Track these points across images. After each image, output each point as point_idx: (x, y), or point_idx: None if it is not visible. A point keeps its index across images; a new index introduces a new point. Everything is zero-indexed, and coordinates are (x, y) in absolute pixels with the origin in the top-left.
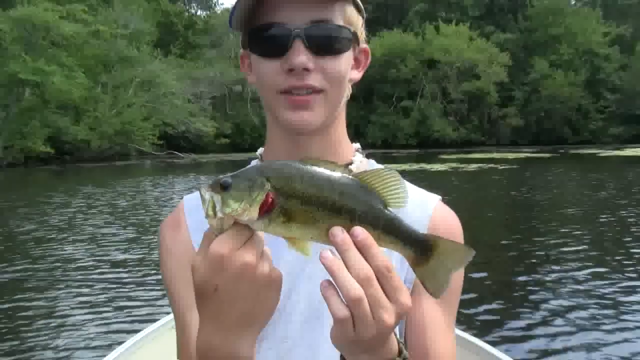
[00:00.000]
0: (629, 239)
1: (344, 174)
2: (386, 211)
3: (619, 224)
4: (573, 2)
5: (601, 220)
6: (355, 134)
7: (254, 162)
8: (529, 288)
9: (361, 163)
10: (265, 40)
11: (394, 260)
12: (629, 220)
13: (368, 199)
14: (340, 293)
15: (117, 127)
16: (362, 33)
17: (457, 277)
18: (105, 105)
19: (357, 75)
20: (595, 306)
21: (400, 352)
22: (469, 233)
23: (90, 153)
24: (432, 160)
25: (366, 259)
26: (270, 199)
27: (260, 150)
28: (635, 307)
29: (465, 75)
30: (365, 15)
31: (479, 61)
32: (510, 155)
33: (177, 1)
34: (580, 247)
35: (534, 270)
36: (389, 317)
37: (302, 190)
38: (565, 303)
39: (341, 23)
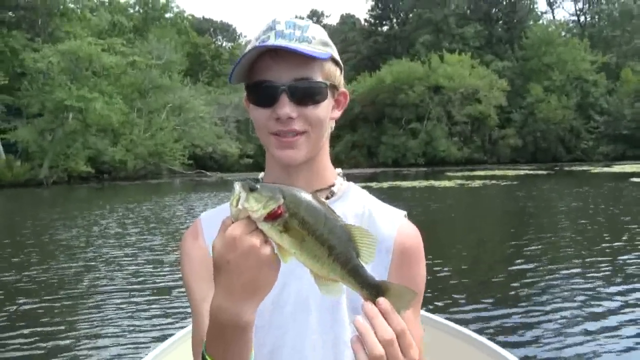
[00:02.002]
0: (618, 244)
1: (339, 220)
2: (356, 259)
3: (609, 233)
4: (563, 34)
5: (592, 228)
6: (368, 154)
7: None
8: (527, 289)
9: (342, 185)
10: (259, 93)
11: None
12: (618, 228)
13: (346, 245)
14: (365, 349)
15: (150, 149)
16: (340, 81)
17: (421, 279)
18: (140, 128)
19: (337, 114)
20: (583, 307)
21: None
22: (476, 240)
23: (126, 172)
24: (439, 178)
25: (387, 322)
26: (279, 212)
27: (262, 174)
28: (619, 308)
29: (468, 99)
30: (342, 66)
31: (480, 87)
32: (510, 173)
33: (205, 34)
34: (573, 252)
35: (534, 274)
36: None
37: (303, 216)
38: (557, 305)
39: (320, 78)
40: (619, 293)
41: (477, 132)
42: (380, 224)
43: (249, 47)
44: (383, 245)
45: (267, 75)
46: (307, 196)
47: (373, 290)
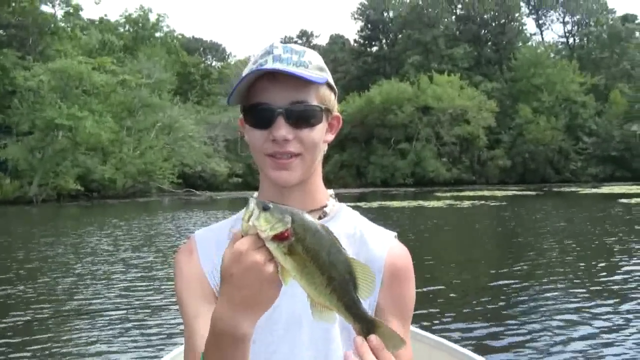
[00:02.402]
0: (601, 264)
1: (342, 252)
2: (353, 292)
3: (594, 253)
4: (552, 55)
5: (578, 249)
6: (357, 174)
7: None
8: (512, 307)
9: (334, 207)
10: (256, 115)
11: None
12: (602, 248)
13: (346, 278)
14: None
15: (140, 167)
16: (334, 105)
17: (410, 299)
18: (130, 147)
19: (330, 137)
20: (565, 325)
21: None
22: (464, 260)
23: (115, 190)
24: (428, 198)
25: (377, 358)
26: (286, 234)
27: (256, 194)
28: (600, 326)
29: (457, 120)
30: (337, 90)
31: (469, 108)
32: (499, 193)
33: (195, 53)
34: (558, 272)
35: (519, 293)
36: None
37: (308, 242)
38: (541, 322)
39: (315, 102)
40: (600, 312)
41: (466, 153)
42: (371, 244)
43: (246, 70)
44: (374, 265)
45: (265, 98)
46: (315, 224)
47: (365, 325)
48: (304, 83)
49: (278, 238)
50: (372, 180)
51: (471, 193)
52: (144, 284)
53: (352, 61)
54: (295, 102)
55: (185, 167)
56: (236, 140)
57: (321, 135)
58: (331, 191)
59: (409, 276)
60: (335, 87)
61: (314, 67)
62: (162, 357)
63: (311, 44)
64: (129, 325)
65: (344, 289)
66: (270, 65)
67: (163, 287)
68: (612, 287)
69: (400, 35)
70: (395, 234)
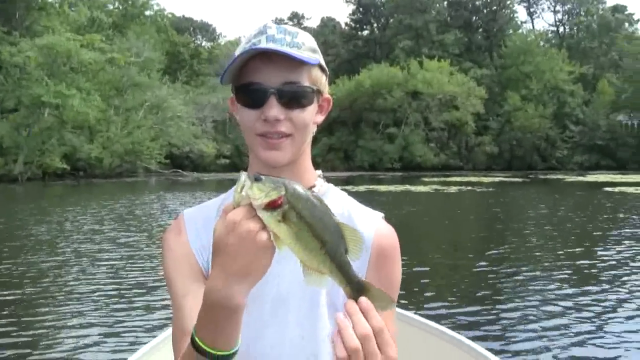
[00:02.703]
0: (579, 250)
1: (333, 217)
2: (344, 255)
3: (577, 239)
4: (542, 44)
5: (563, 234)
6: (345, 157)
7: (220, 209)
8: (493, 289)
9: (322, 187)
10: (248, 94)
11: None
12: (586, 234)
13: (338, 241)
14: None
15: (127, 147)
16: (325, 87)
17: (396, 278)
18: (117, 126)
19: (320, 118)
20: (549, 305)
21: None
22: (449, 243)
23: (102, 170)
24: (415, 183)
25: (367, 320)
26: (279, 202)
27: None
28: (574, 306)
29: (446, 106)
30: (328, 72)
31: (458, 94)
32: (486, 179)
33: (184, 33)
34: (539, 257)
35: (501, 275)
36: None
37: (301, 209)
38: (521, 303)
39: (307, 83)
40: (575, 293)
41: (454, 139)
42: (359, 224)
43: (239, 49)
44: (362, 252)
45: (257, 78)
46: (307, 192)
47: (356, 287)
48: (297, 64)
49: (271, 206)
50: (360, 164)
51: (458, 179)
52: (130, 262)
53: (343, 44)
54: (288, 83)
55: (173, 147)
56: (224, 122)
57: (311, 116)
58: (319, 172)
59: (395, 256)
60: (326, 69)
61: (306, 48)
62: (147, 341)
63: (302, 26)
64: (114, 304)
65: (336, 252)
66: (264, 45)
67: (148, 266)
68: (592, 272)
69: (391, 20)
70: (383, 214)
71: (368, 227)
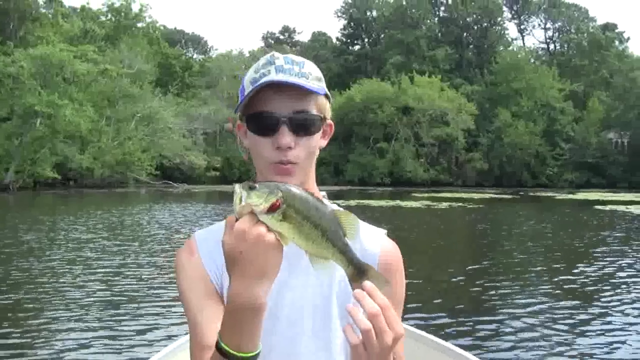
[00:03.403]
0: (576, 265)
1: (327, 207)
2: (344, 238)
3: (567, 256)
4: (532, 61)
5: (555, 251)
6: (335, 171)
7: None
8: (491, 301)
9: None
10: (260, 123)
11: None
12: (576, 252)
13: (336, 227)
14: (356, 327)
15: (118, 158)
16: (328, 113)
17: (402, 291)
18: (109, 137)
19: (323, 143)
20: (533, 318)
21: None
22: (443, 259)
23: (93, 180)
24: (405, 198)
25: (373, 300)
26: (278, 204)
27: (237, 185)
28: (559, 318)
29: (436, 121)
30: (332, 99)
31: (448, 110)
32: (476, 196)
33: (176, 45)
34: (529, 275)
35: (498, 287)
36: (388, 339)
37: (298, 205)
38: (506, 315)
39: (314, 111)
40: (562, 310)
41: (444, 154)
42: (365, 242)
43: (248, 78)
44: (369, 261)
45: (269, 107)
46: (299, 190)
47: (357, 267)
48: (306, 93)
49: (271, 209)
50: (349, 179)
51: (448, 195)
52: (119, 271)
53: (334, 59)
54: (298, 112)
55: (164, 158)
56: (215, 134)
57: (317, 142)
58: (324, 193)
59: (400, 270)
60: (330, 95)
61: (313, 77)
62: (137, 348)
63: (293, 40)
64: (104, 311)
65: (336, 237)
66: (273, 75)
67: (138, 275)
68: (578, 288)
69: (382, 35)
70: (386, 231)
71: (374, 243)
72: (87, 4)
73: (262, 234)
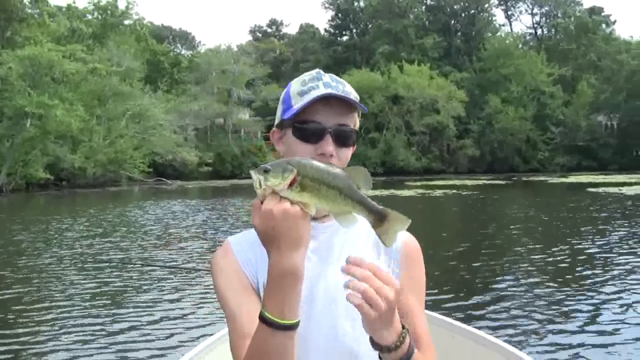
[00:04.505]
0: (569, 247)
1: (337, 167)
2: (359, 191)
3: (564, 237)
4: (520, 46)
5: (550, 232)
6: None
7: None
8: (484, 284)
9: None
10: (307, 131)
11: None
12: (574, 234)
13: (349, 183)
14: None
15: (110, 156)
16: (358, 127)
17: (423, 278)
18: (100, 136)
19: (349, 154)
20: (530, 300)
21: (403, 327)
22: (444, 246)
23: (85, 179)
24: (399, 187)
25: (361, 267)
26: (295, 178)
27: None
28: (562, 300)
29: (427, 110)
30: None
31: (438, 97)
32: (469, 182)
33: (164, 41)
34: (530, 255)
35: (496, 272)
36: (389, 293)
37: (312, 174)
38: (507, 299)
39: (353, 127)
40: (559, 291)
41: (436, 142)
42: None
43: (296, 89)
44: (392, 252)
45: (317, 117)
46: (308, 159)
47: (377, 214)
48: (349, 109)
49: (290, 185)
50: None
51: (441, 182)
52: (113, 272)
53: (323, 50)
54: (341, 125)
55: (156, 156)
56: (206, 129)
57: (350, 153)
58: None
59: (420, 259)
60: (360, 113)
61: (353, 96)
62: (134, 345)
63: (281, 33)
64: (100, 309)
65: (352, 192)
66: (322, 90)
67: (135, 272)
68: (567, 267)
69: (370, 25)
70: None
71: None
72: (73, 2)
73: (287, 209)
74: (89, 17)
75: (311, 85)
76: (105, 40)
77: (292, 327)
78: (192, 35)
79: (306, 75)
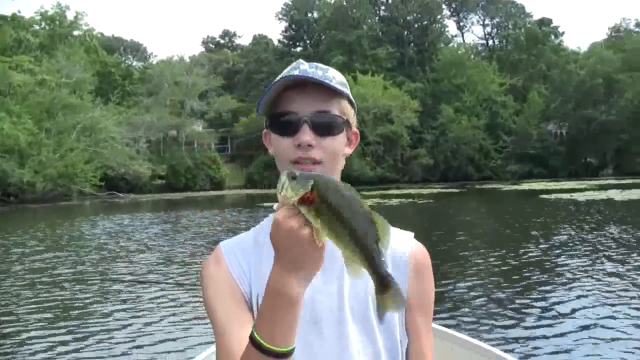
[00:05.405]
0: (524, 251)
1: (364, 206)
2: (374, 244)
3: (519, 241)
4: (472, 57)
5: (507, 238)
6: None
7: (271, 214)
8: (454, 290)
9: None
10: (282, 123)
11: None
12: (526, 237)
13: (366, 228)
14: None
15: (60, 170)
16: (354, 120)
17: (431, 292)
18: (49, 149)
19: (349, 150)
20: (484, 301)
21: None
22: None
23: (35, 194)
24: None
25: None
26: (311, 197)
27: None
28: (516, 302)
29: (381, 120)
30: (356, 108)
31: (392, 107)
32: (424, 191)
33: (115, 53)
34: (488, 260)
35: (450, 277)
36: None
37: (331, 201)
38: (457, 304)
39: (337, 113)
40: (511, 294)
41: (390, 152)
42: (394, 244)
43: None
44: (401, 260)
45: (291, 107)
46: (336, 183)
47: (379, 278)
48: (328, 95)
49: (305, 202)
50: None
51: (396, 192)
52: (63, 288)
53: (276, 62)
54: (319, 112)
55: (108, 169)
56: (159, 141)
57: (341, 145)
58: None
59: (429, 271)
60: (355, 103)
61: (337, 82)
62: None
63: (234, 44)
64: (54, 325)
65: (365, 240)
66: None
67: (85, 285)
68: (523, 270)
69: (324, 36)
70: (413, 233)
71: (403, 246)
72: (19, 12)
73: (294, 228)
74: (36, 27)
75: (288, 75)
76: (53, 51)
77: (282, 355)
78: (144, 47)
79: (288, 68)
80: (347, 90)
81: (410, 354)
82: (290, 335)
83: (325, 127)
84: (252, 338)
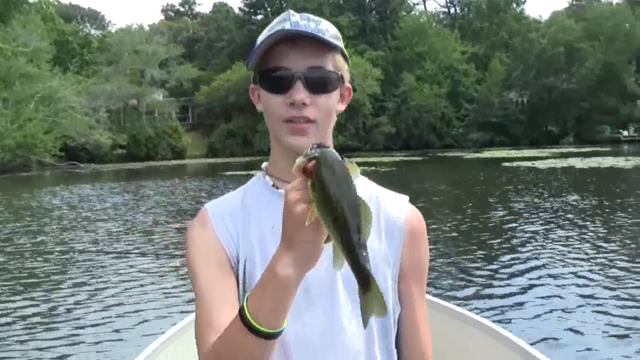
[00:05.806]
0: (480, 217)
1: (351, 188)
2: (358, 234)
3: (478, 208)
4: (434, 25)
5: (469, 204)
6: (243, 142)
7: (258, 174)
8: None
9: None
10: (273, 79)
11: (383, 246)
12: (485, 204)
13: (351, 216)
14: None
15: (19, 141)
16: (347, 75)
17: (426, 259)
18: (7, 120)
19: (341, 107)
20: (450, 269)
21: None
22: None
23: None
24: None
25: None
26: (306, 166)
27: (265, 164)
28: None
29: None
30: (349, 62)
31: (354, 76)
32: (386, 159)
33: (72, 21)
34: (449, 226)
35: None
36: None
37: (322, 176)
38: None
39: (331, 68)
40: (479, 259)
41: (351, 120)
42: (388, 207)
43: (262, 35)
44: (395, 225)
45: (283, 62)
46: (334, 158)
47: (360, 276)
48: (322, 49)
49: (306, 173)
50: (259, 149)
51: (359, 159)
52: (25, 259)
53: (237, 30)
54: (313, 67)
55: (68, 139)
56: (119, 111)
57: (335, 102)
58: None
59: (424, 237)
60: (348, 56)
61: (330, 35)
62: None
63: (193, 12)
64: (28, 301)
65: (348, 234)
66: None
67: (49, 254)
68: (487, 238)
69: (285, 4)
70: (408, 197)
71: (397, 209)
72: None
73: (290, 201)
74: None
75: (278, 28)
76: (8, 19)
77: (267, 336)
78: (102, 15)
79: (276, 18)
80: (341, 44)
81: (402, 324)
82: (276, 318)
83: (320, 84)
84: (240, 311)
